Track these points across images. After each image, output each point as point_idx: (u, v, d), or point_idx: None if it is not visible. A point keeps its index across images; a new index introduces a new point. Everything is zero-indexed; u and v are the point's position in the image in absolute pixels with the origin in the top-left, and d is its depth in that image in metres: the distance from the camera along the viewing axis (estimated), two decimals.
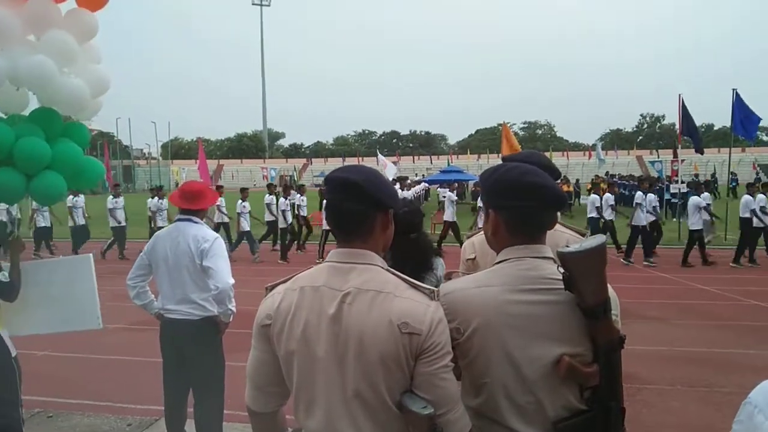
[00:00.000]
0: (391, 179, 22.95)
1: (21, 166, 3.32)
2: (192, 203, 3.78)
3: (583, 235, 2.23)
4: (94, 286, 3.83)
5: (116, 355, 6.42)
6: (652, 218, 12.60)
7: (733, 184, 33.68)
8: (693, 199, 12.16)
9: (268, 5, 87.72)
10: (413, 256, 3.04)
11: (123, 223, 14.42)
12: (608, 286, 1.56)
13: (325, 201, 1.62)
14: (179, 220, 3.79)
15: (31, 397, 3.64)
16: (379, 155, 27.50)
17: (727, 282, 9.94)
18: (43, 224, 14.41)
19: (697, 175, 30.33)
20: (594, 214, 13.19)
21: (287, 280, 1.60)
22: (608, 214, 12.98)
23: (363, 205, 1.53)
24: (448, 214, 14.34)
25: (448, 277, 1.76)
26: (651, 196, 12.70)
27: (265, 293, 1.61)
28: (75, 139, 3.64)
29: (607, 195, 13.23)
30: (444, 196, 15.06)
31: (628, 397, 4.77)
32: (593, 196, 13.47)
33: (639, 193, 12.56)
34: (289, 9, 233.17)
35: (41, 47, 3.33)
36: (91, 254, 3.99)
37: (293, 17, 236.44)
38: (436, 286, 1.60)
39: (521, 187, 1.56)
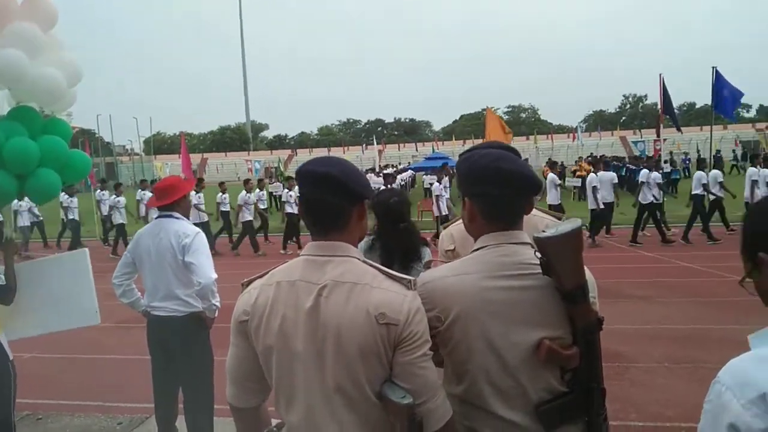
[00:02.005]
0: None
1: (12, 167, 3.27)
2: (165, 198, 3.74)
3: (559, 219, 2.24)
4: (91, 281, 3.79)
5: (105, 354, 6.40)
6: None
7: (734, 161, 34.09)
8: (697, 174, 12.21)
9: None
10: (402, 246, 3.09)
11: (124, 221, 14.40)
12: (585, 268, 1.58)
13: (298, 195, 1.62)
14: (160, 216, 3.76)
15: (20, 399, 3.61)
16: (375, 146, 27.42)
17: (710, 259, 10.07)
18: (72, 217, 14.66)
19: (686, 153, 30.60)
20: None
21: (263, 275, 1.59)
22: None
23: (341, 198, 1.53)
24: (443, 208, 13.29)
25: (428, 266, 1.77)
26: (655, 173, 12.51)
27: (242, 289, 1.60)
28: (57, 134, 3.60)
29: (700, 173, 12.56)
30: (430, 183, 14.64)
31: (616, 376, 4.88)
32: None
33: (644, 171, 12.49)
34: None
35: (7, 40, 3.24)
36: (86, 249, 3.95)
37: (273, 4, 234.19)
38: None
39: (494, 174, 1.57)
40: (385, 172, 23.71)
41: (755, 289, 1.15)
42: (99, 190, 15.22)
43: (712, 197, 12.17)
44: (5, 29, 3.26)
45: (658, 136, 20.16)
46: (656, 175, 12.46)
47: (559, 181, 13.11)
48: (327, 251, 1.52)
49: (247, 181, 14.49)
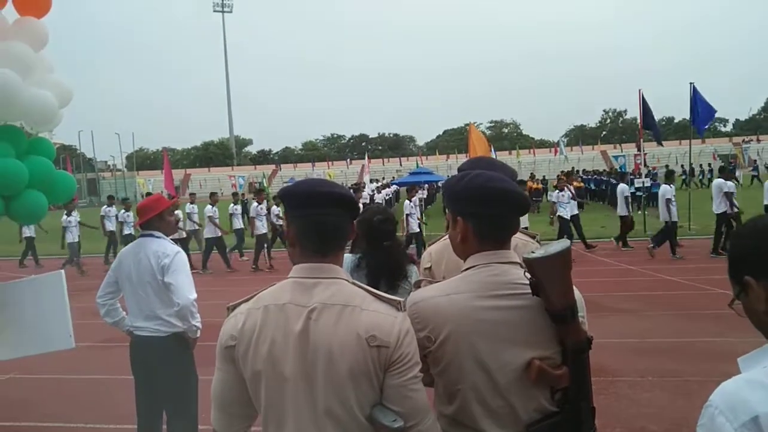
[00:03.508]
0: (368, 185, 22.93)
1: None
2: (142, 217, 3.72)
3: (533, 237, 2.27)
4: (66, 304, 3.72)
5: (87, 374, 6.27)
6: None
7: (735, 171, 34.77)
8: (716, 182, 11.85)
9: (230, 12, 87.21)
10: (388, 264, 3.03)
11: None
12: (574, 288, 1.59)
13: (291, 216, 1.59)
14: (142, 236, 3.74)
15: None
16: (366, 161, 27.56)
17: (693, 272, 10.19)
18: (28, 235, 14.90)
19: (667, 166, 31.16)
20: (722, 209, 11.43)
21: (249, 299, 1.57)
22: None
23: (347, 219, 1.56)
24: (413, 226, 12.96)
25: (417, 285, 1.76)
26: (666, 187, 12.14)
27: (227, 313, 1.58)
28: (42, 154, 3.56)
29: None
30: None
31: (600, 390, 4.88)
32: (664, 187, 12.09)
33: (666, 187, 11.98)
34: (251, 14, 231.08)
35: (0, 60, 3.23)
36: (62, 271, 3.88)
37: (255, 18, 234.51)
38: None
39: (490, 194, 1.59)
40: (377, 185, 23.69)
41: (744, 311, 1.15)
42: (106, 206, 15.18)
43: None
44: None
45: (639, 150, 20.52)
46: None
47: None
48: (315, 273, 1.51)
49: (259, 192, 14.53)
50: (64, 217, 14.20)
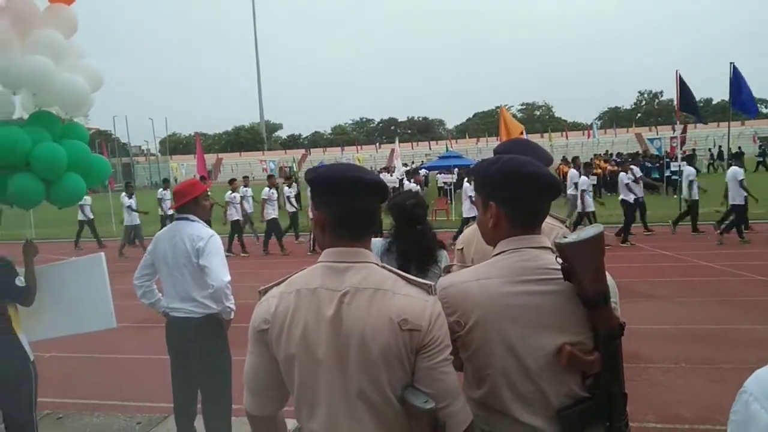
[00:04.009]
0: (399, 169, 22.90)
1: (40, 172, 3.31)
2: (178, 201, 3.80)
3: (563, 222, 2.26)
4: (107, 285, 3.85)
5: (124, 354, 6.47)
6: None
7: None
8: (732, 171, 11.78)
9: None
10: (419, 248, 3.06)
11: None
12: (606, 273, 1.57)
13: (321, 201, 1.59)
14: (177, 219, 3.81)
15: (41, 399, 3.66)
16: (397, 144, 27.46)
17: (730, 257, 9.95)
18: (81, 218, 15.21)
19: (694, 150, 30.49)
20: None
21: (281, 282, 1.59)
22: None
23: (374, 205, 1.56)
24: (466, 209, 12.62)
25: (447, 270, 1.76)
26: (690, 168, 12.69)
27: (259, 297, 1.59)
28: (76, 139, 3.64)
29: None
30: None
31: (633, 377, 4.84)
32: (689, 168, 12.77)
33: (737, 169, 11.65)
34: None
35: (33, 47, 3.29)
36: (102, 253, 4.00)
37: (286, 4, 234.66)
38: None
39: (522, 178, 1.59)
40: (406, 169, 23.74)
41: None
42: (162, 189, 15.47)
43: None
44: (30, 36, 3.31)
45: (685, 131, 19.95)
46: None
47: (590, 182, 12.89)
48: (346, 258, 1.52)
49: (270, 177, 14.62)
50: (125, 198, 14.54)
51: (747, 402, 1.01)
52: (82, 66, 3.63)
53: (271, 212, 13.38)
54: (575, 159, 15.26)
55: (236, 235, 13.60)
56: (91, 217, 15.54)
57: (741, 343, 5.70)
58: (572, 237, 1.50)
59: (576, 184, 12.81)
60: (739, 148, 21.26)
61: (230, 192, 13.77)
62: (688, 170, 12.80)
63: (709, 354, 5.49)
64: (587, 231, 1.52)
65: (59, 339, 3.94)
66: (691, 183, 12.55)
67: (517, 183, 1.59)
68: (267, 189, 13.84)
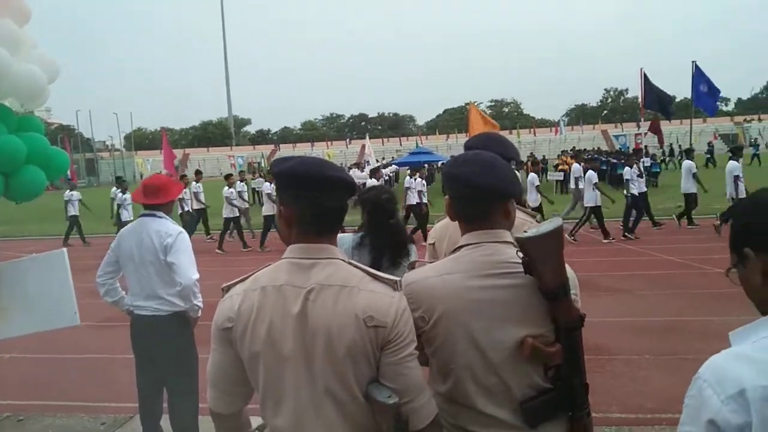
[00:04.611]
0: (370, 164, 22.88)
1: None
2: (155, 198, 3.71)
3: (533, 217, 2.30)
4: (70, 281, 3.74)
5: (87, 354, 6.33)
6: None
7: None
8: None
9: None
10: (392, 242, 3.09)
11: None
12: (566, 266, 1.60)
13: (287, 196, 1.56)
14: (143, 215, 3.73)
15: (0, 401, 3.57)
16: (366, 143, 27.32)
17: (691, 252, 10.22)
18: (72, 213, 14.87)
19: (670, 145, 31.36)
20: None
21: (245, 279, 1.57)
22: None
23: (343, 201, 1.55)
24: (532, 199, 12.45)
25: (412, 266, 1.77)
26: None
27: (222, 294, 1.57)
28: (32, 131, 3.54)
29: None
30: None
31: (597, 369, 4.93)
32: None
33: (734, 164, 11.74)
34: None
35: None
36: (65, 249, 3.89)
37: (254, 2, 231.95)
38: None
39: (455, 179, 1.65)
40: (371, 167, 23.72)
41: (739, 281, 1.19)
42: (194, 183, 15.00)
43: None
44: None
45: (657, 131, 20.45)
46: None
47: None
48: (312, 254, 1.51)
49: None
50: (115, 191, 14.37)
51: (701, 387, 1.06)
52: (37, 56, 3.53)
53: (269, 209, 13.20)
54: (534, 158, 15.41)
55: (227, 231, 13.44)
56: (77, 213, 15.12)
57: (702, 335, 5.86)
58: (532, 231, 1.52)
59: (577, 179, 13.02)
60: (690, 144, 21.88)
61: (227, 188, 13.57)
62: (733, 165, 11.74)
63: (672, 346, 5.63)
64: (546, 225, 1.55)
65: (20, 339, 3.83)
66: (737, 179, 11.53)
67: (453, 182, 1.67)
68: (268, 184, 13.72)
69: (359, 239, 3.09)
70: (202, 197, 14.44)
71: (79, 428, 4.51)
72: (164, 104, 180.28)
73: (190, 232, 13.09)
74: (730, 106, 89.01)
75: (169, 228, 3.64)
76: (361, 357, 1.43)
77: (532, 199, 12.33)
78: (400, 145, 66.81)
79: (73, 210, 15.04)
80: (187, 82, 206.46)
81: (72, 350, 6.32)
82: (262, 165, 33.25)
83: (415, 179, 13.64)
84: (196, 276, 3.55)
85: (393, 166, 30.36)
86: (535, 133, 66.06)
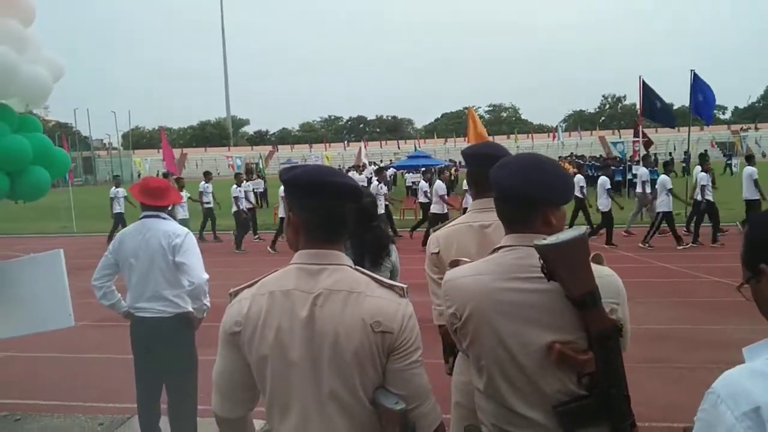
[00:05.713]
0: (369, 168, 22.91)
1: (5, 165, 3.20)
2: (158, 200, 3.69)
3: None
4: (65, 282, 3.71)
5: (85, 353, 6.28)
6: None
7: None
8: (747, 170, 11.85)
9: None
10: (374, 243, 3.25)
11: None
12: (610, 274, 1.64)
13: (297, 205, 1.57)
14: (146, 216, 3.68)
15: None
16: (362, 145, 27.43)
17: (687, 259, 10.23)
18: (118, 210, 14.55)
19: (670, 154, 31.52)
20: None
21: (252, 284, 1.57)
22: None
23: (351, 208, 1.57)
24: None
25: (454, 264, 1.80)
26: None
27: (229, 299, 1.58)
28: (32, 131, 3.55)
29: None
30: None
31: None
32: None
33: (703, 174, 11.83)
34: None
35: None
36: (61, 250, 3.86)
37: (254, 5, 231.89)
38: (390, 271, 1.65)
39: (494, 182, 1.68)
40: (369, 170, 23.76)
41: (752, 296, 1.16)
42: (203, 182, 14.81)
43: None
44: None
45: (636, 136, 20.49)
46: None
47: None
48: (320, 260, 1.53)
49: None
50: (114, 190, 14.44)
51: (715, 403, 1.04)
52: (42, 57, 3.54)
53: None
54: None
55: (240, 230, 13.33)
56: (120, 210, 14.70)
57: (697, 344, 5.84)
58: (551, 239, 1.50)
59: (644, 183, 13.04)
60: (670, 154, 21.92)
61: (235, 186, 13.49)
62: (750, 170, 11.83)
63: (668, 354, 5.61)
64: (568, 233, 1.52)
65: (17, 338, 3.82)
66: (703, 188, 11.77)
67: (492, 188, 1.71)
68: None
69: None
70: (209, 197, 14.39)
71: (76, 429, 4.46)
72: (163, 103, 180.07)
73: (245, 232, 13.30)
74: (727, 115, 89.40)
75: (176, 228, 3.63)
76: (368, 362, 1.45)
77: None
78: (398, 148, 66.86)
79: (119, 207, 14.57)
80: (186, 81, 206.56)
81: (70, 350, 6.27)
82: (260, 166, 33.13)
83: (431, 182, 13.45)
84: (206, 276, 3.55)
85: (391, 169, 30.41)
86: (533, 139, 66.17)
